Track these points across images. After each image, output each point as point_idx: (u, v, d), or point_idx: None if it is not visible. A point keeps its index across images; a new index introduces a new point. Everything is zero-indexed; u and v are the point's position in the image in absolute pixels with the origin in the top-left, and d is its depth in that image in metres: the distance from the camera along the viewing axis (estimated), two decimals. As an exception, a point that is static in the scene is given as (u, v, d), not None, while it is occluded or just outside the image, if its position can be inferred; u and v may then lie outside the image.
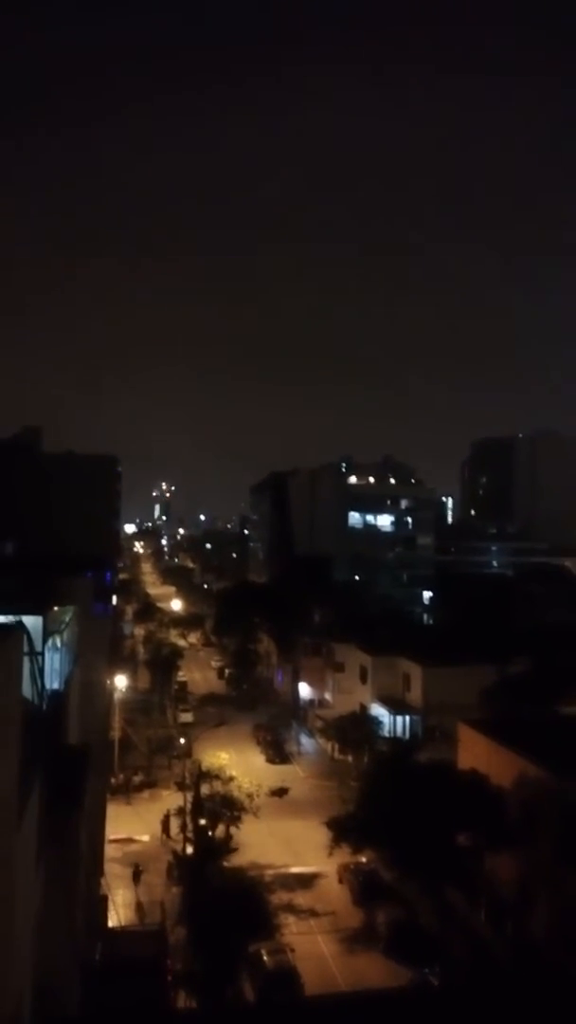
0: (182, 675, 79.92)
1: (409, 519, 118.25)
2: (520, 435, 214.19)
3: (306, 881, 38.05)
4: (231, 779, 42.06)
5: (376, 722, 54.63)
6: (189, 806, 37.93)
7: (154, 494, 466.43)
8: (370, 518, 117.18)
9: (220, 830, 37.92)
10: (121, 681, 55.18)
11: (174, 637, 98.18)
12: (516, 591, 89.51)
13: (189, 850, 35.37)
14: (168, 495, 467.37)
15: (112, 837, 39.16)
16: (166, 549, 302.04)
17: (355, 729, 52.85)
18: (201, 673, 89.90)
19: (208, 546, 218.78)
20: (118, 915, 34.51)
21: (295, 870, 38.86)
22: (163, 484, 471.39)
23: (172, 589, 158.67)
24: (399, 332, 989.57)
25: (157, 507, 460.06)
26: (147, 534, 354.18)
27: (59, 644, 21.49)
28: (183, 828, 37.92)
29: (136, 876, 37.59)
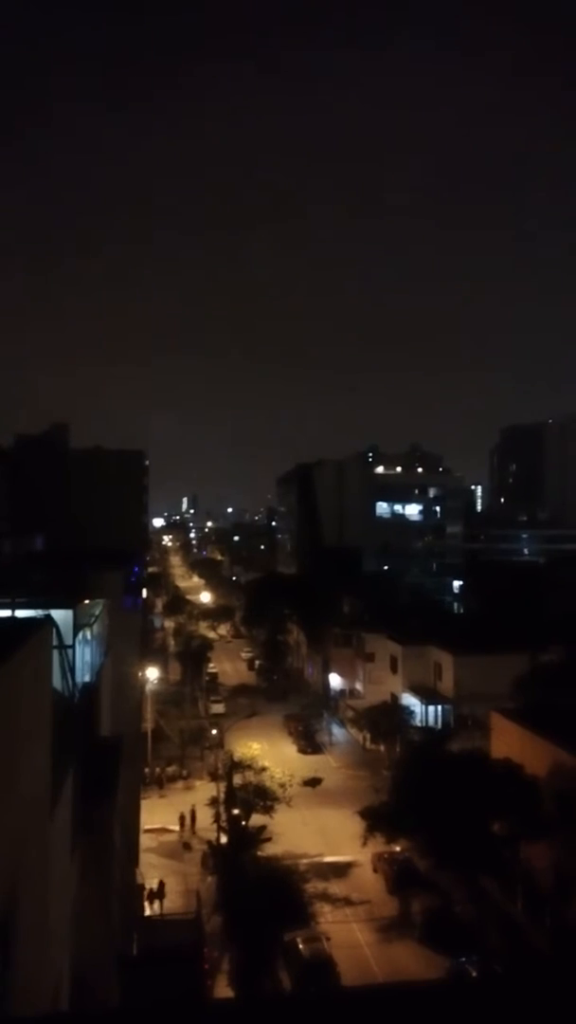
0: (213, 667, 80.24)
1: (438, 508, 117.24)
2: (550, 421, 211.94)
3: (340, 870, 38.08)
4: (263, 769, 42.18)
5: (407, 712, 54.46)
6: (222, 796, 38.12)
7: (181, 487, 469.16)
8: (398, 508, 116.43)
9: (253, 820, 38.06)
10: (152, 673, 55.49)
11: (204, 629, 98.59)
12: (548, 578, 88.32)
13: (223, 839, 35.56)
14: (195, 488, 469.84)
15: (146, 827, 39.51)
16: (194, 542, 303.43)
17: (386, 719, 52.75)
18: (231, 664, 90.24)
19: (236, 538, 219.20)
20: (153, 904, 34.78)
21: (329, 859, 38.91)
22: (191, 477, 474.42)
23: (201, 581, 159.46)
24: (426, 320, 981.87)
25: (185, 500, 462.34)
26: (175, 527, 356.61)
27: (89, 637, 21.61)
28: (216, 818, 38.12)
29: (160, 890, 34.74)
